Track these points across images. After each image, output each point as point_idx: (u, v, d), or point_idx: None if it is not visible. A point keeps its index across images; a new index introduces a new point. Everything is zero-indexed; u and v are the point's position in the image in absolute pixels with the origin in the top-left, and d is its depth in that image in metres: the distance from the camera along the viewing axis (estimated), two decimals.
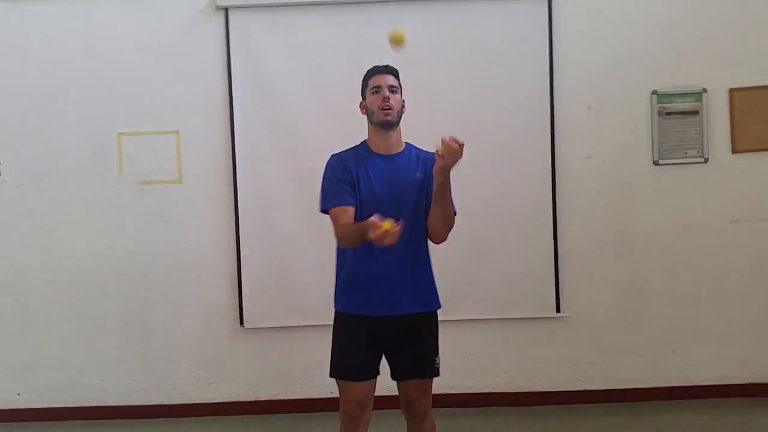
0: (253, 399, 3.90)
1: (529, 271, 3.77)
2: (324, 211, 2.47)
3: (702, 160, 3.78)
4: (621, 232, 3.81)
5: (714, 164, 3.78)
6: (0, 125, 3.83)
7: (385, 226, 2.06)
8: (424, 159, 2.42)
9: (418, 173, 2.40)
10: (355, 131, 3.64)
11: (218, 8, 3.73)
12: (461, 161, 2.21)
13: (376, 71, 2.45)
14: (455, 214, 2.41)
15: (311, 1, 3.72)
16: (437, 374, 2.51)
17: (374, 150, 2.44)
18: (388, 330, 2.43)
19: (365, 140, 2.50)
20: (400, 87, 2.46)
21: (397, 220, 2.16)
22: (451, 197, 2.34)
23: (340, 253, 2.53)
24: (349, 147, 2.52)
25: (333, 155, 2.49)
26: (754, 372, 3.83)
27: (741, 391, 3.82)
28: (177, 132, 3.81)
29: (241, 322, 3.85)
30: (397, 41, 2.36)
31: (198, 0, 3.75)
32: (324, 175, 2.47)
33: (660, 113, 3.76)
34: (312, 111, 3.75)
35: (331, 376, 2.53)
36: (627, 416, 3.65)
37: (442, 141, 2.16)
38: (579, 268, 3.81)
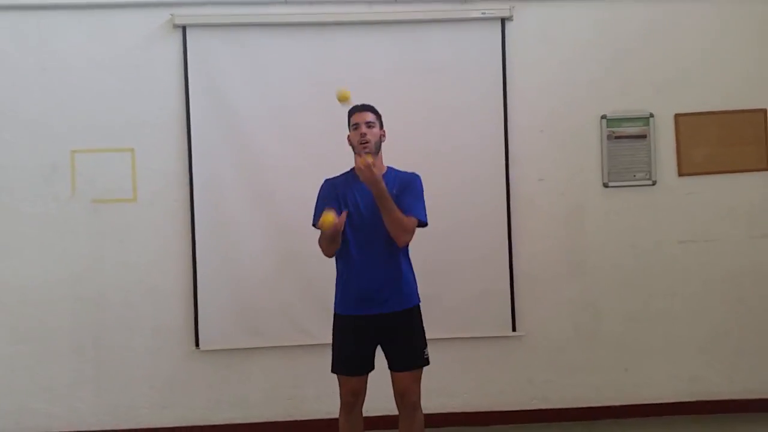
0: (209, 423, 3.78)
1: (486, 291, 3.78)
2: (315, 225, 2.78)
3: (650, 182, 3.87)
4: (573, 253, 3.86)
5: (661, 187, 3.87)
6: None
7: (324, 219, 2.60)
8: (400, 178, 2.83)
9: (394, 191, 2.75)
10: (314, 149, 3.68)
11: (176, 26, 3.69)
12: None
13: (355, 110, 2.82)
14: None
15: (270, 21, 3.72)
16: (427, 363, 2.87)
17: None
18: (378, 327, 2.79)
19: (352, 168, 2.84)
20: (379, 120, 2.85)
21: (382, 231, 2.69)
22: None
23: (337, 267, 2.89)
24: (340, 174, 2.92)
25: (325, 180, 2.90)
26: (702, 390, 3.89)
27: (691, 408, 3.87)
28: (132, 150, 3.73)
29: (197, 344, 3.75)
30: (343, 99, 2.71)
31: (155, 17, 3.70)
32: (317, 197, 2.87)
33: (609, 137, 3.85)
34: (271, 130, 3.72)
35: (332, 372, 2.87)
36: None
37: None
38: (534, 287, 3.84)
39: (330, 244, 2.70)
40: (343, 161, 2.90)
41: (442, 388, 3.81)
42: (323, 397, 3.75)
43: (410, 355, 2.81)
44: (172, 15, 3.69)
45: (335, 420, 3.20)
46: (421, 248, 3.71)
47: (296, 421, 3.78)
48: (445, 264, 3.75)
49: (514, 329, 3.81)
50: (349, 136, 2.86)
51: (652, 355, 3.89)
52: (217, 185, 3.72)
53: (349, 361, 2.81)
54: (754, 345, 3.91)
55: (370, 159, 2.59)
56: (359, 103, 2.82)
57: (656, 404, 3.88)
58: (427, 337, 3.67)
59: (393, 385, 2.82)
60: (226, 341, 3.75)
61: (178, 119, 3.73)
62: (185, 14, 3.69)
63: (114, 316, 3.76)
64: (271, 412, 3.81)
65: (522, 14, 3.80)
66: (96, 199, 3.73)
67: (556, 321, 3.86)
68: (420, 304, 2.89)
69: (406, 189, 2.79)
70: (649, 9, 3.87)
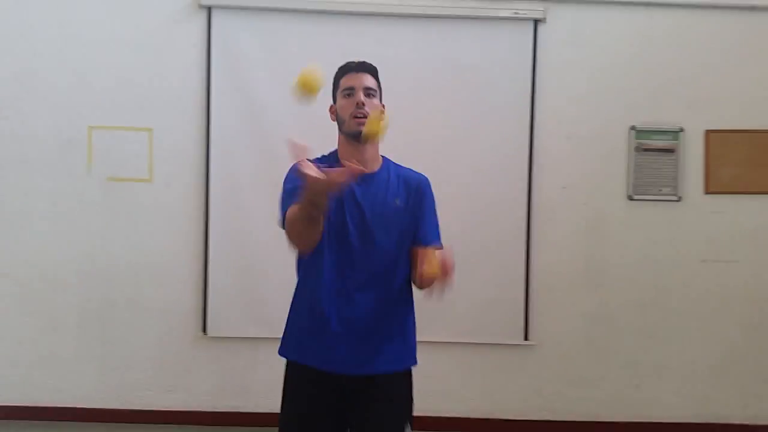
0: (212, 410, 3.57)
1: (500, 297, 3.52)
2: (283, 222, 1.80)
3: (675, 198, 3.58)
4: (592, 264, 3.59)
5: (687, 203, 3.58)
6: None
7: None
8: (406, 180, 1.91)
9: (397, 201, 1.89)
10: (334, 140, 3.41)
11: (201, 7, 3.45)
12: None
13: (349, 69, 1.90)
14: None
15: (297, 7, 3.47)
16: None
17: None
18: (351, 392, 1.86)
19: (335, 151, 1.94)
20: (380, 89, 1.93)
21: (373, 257, 1.83)
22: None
23: (300, 289, 1.96)
24: (316, 157, 1.91)
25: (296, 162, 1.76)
26: (714, 412, 3.61)
27: (700, 429, 3.59)
28: (150, 129, 3.51)
29: (204, 330, 3.54)
30: (308, 88, 1.72)
31: None
32: (285, 181, 1.86)
33: (637, 149, 3.56)
34: (291, 119, 3.45)
35: None
36: None
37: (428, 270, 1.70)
38: (549, 296, 3.57)
39: (309, 225, 1.64)
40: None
41: (448, 393, 3.56)
42: None
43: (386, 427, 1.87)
44: None
45: None
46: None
47: None
48: (461, 267, 3.42)
49: (526, 338, 3.55)
50: (333, 107, 1.93)
51: (664, 374, 3.61)
52: (234, 171, 3.49)
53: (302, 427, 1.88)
54: None
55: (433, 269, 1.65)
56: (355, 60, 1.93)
57: (666, 423, 3.60)
58: (437, 340, 3.48)
59: None
60: (234, 329, 3.53)
61: (199, 101, 3.51)
62: None
63: (122, 296, 3.55)
64: (275, 403, 3.56)
65: (555, 16, 3.51)
66: (111, 177, 3.52)
67: (569, 332, 3.59)
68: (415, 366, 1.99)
69: (423, 203, 1.92)
70: (686, 19, 3.56)
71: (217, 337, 3.54)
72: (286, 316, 2.12)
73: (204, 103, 3.50)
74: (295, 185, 1.71)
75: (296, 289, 1.96)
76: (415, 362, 1.96)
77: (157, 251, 3.54)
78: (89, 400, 3.57)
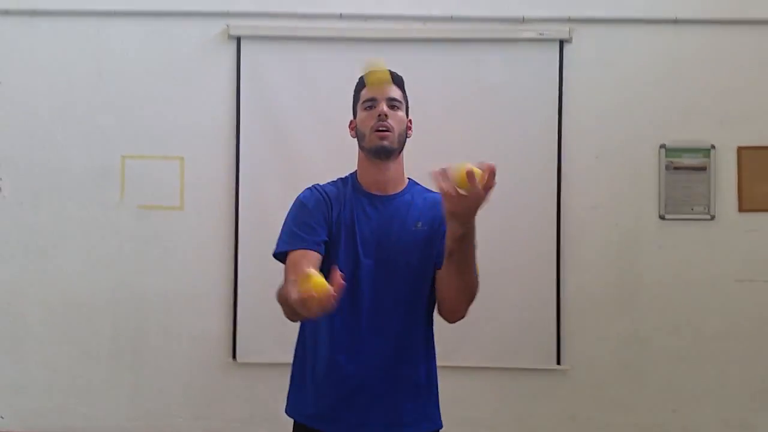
0: None
1: (530, 320, 3.45)
2: (277, 256, 1.64)
3: (708, 217, 3.50)
4: (624, 286, 3.51)
5: (720, 222, 3.50)
6: (2, 140, 3.58)
7: (313, 284, 1.28)
8: (434, 204, 1.60)
9: (419, 224, 1.64)
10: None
11: (230, 37, 3.51)
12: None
13: (372, 78, 1.69)
14: (477, 276, 1.63)
15: (324, 36, 3.51)
16: None
17: (365, 187, 1.68)
18: None
19: (354, 172, 1.75)
20: (405, 101, 1.70)
21: (390, 292, 1.58)
22: (474, 254, 1.54)
23: (302, 336, 1.78)
24: (332, 180, 1.76)
25: (308, 187, 1.73)
26: None
27: None
28: (182, 158, 3.55)
29: (234, 356, 3.53)
30: (377, 80, 1.61)
31: (211, 28, 3.52)
32: (290, 209, 1.69)
33: (668, 167, 3.50)
34: (319, 146, 3.49)
35: None
36: None
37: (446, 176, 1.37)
38: (581, 319, 3.49)
39: (296, 314, 1.48)
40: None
41: (478, 419, 3.49)
42: None
43: None
44: (227, 25, 3.51)
45: None
46: None
47: None
48: (490, 290, 3.37)
49: (558, 362, 3.48)
50: (353, 122, 1.74)
51: (701, 398, 3.50)
52: (263, 198, 3.49)
53: None
54: None
55: (468, 167, 1.36)
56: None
57: None
58: (465, 365, 3.43)
59: None
60: (264, 355, 3.50)
61: (228, 130, 3.54)
62: (240, 25, 3.50)
63: (154, 322, 3.56)
64: None
65: (581, 36, 3.49)
66: (142, 205, 3.56)
67: (603, 356, 3.50)
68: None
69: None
70: (715, 35, 3.51)
71: (246, 362, 3.53)
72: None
73: (234, 132, 3.53)
74: (300, 215, 1.63)
75: (299, 337, 1.77)
76: (440, 425, 1.74)
77: (187, 278, 3.56)
78: (121, 427, 3.56)
